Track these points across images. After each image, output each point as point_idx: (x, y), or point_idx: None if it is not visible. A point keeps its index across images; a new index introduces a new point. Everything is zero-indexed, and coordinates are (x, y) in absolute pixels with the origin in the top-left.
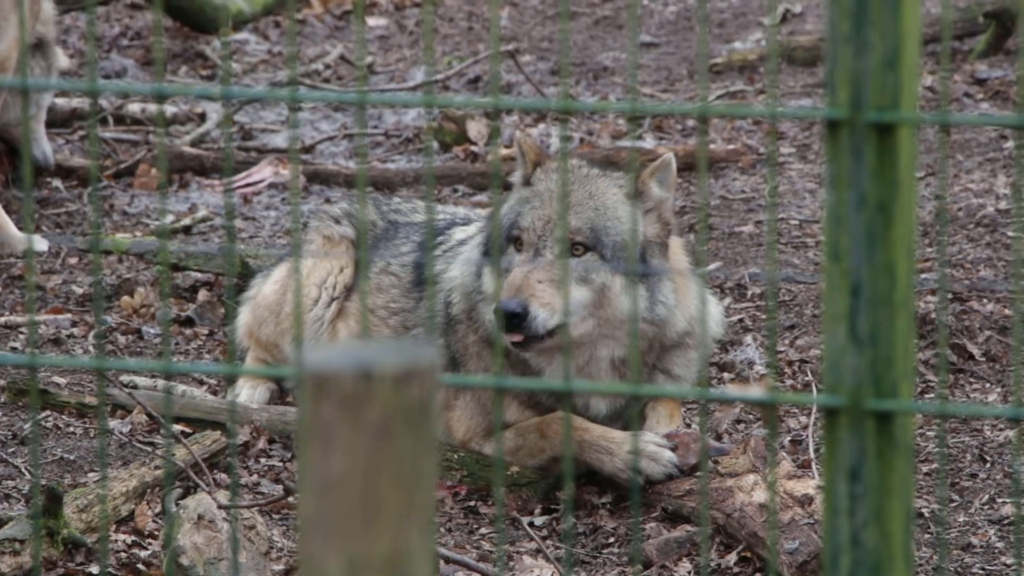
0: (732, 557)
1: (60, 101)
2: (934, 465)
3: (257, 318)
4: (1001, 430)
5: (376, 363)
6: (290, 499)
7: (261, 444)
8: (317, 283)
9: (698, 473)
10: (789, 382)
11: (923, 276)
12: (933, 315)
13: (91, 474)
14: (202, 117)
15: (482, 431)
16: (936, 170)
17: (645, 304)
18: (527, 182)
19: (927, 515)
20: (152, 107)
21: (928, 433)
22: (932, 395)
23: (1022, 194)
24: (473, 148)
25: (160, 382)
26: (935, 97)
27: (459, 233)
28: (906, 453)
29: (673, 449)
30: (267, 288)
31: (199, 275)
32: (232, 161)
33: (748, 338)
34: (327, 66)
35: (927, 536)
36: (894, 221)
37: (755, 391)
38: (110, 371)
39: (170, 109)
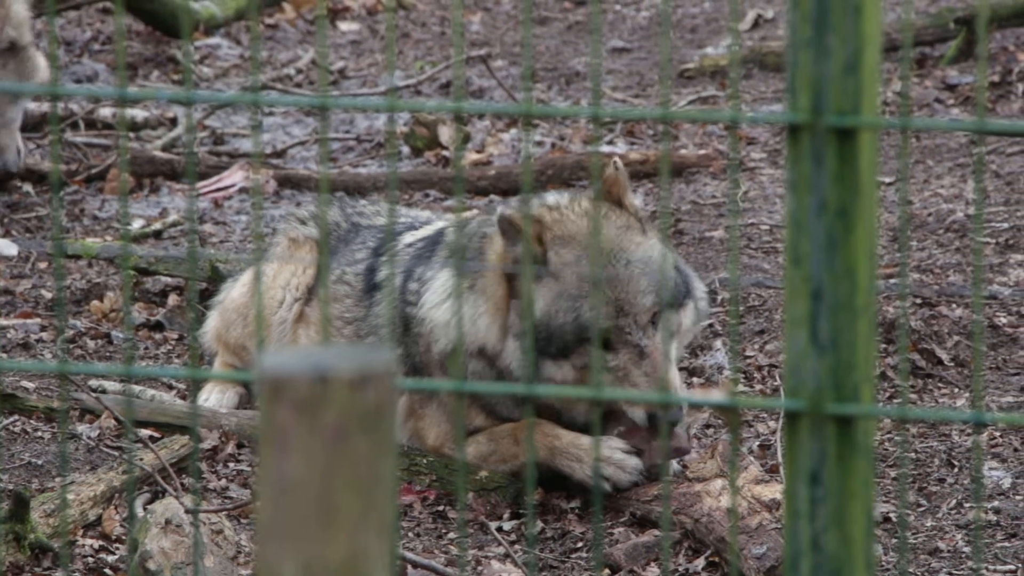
0: (700, 562)
1: (31, 105)
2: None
3: (225, 321)
4: (969, 435)
5: (332, 367)
6: (257, 504)
7: (230, 449)
8: (282, 285)
9: (665, 476)
10: (758, 387)
11: (891, 281)
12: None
13: (59, 479)
14: (173, 122)
15: (453, 437)
16: (904, 175)
17: (695, 314)
18: (546, 264)
19: (894, 519)
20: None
21: (897, 438)
22: (901, 400)
23: (985, 197)
24: (445, 153)
25: (131, 387)
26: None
27: (407, 237)
28: (867, 457)
29: (639, 454)
30: (235, 292)
31: (169, 280)
32: (196, 164)
33: (718, 343)
34: (299, 71)
35: (894, 540)
36: (855, 226)
37: (718, 395)
38: (78, 375)
39: (141, 114)
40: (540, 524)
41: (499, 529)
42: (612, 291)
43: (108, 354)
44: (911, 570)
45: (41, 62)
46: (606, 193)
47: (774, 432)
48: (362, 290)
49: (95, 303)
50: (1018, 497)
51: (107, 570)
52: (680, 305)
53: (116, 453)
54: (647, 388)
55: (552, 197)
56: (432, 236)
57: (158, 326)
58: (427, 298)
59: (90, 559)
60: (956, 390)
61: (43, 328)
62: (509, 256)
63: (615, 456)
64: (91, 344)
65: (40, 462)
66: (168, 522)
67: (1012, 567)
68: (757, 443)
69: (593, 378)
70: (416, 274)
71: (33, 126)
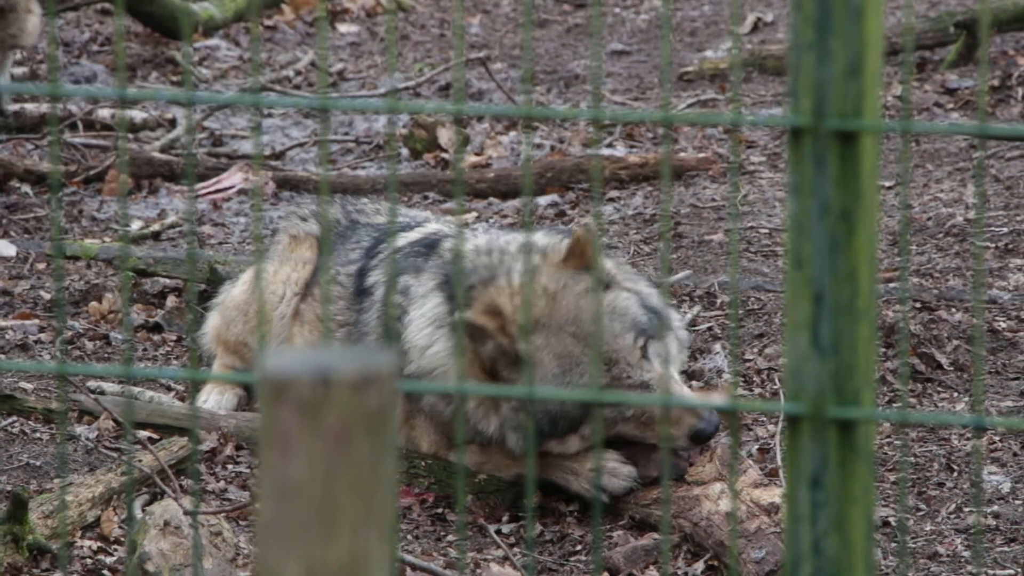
0: (699, 566)
1: (30, 106)
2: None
3: (225, 320)
4: (968, 439)
5: (334, 369)
6: (257, 505)
7: (228, 450)
8: (283, 280)
9: (663, 482)
10: (758, 390)
11: (891, 285)
12: (902, 324)
13: (57, 480)
14: (172, 123)
15: (446, 445)
16: (904, 179)
17: (678, 343)
18: (517, 355)
19: (894, 524)
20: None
21: (896, 442)
22: (900, 404)
23: (985, 201)
24: (444, 155)
25: (130, 388)
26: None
27: (399, 240)
28: (868, 461)
29: (634, 465)
30: (236, 290)
31: (167, 281)
32: (195, 166)
33: (717, 346)
34: (298, 72)
35: (894, 545)
36: (857, 229)
37: (717, 398)
38: (76, 376)
39: (140, 115)
40: (539, 527)
41: (498, 532)
42: (592, 350)
43: (107, 355)
44: (911, 574)
45: (30, 26)
46: (579, 255)
47: (773, 436)
48: (352, 293)
49: (94, 304)
50: (1017, 502)
51: (105, 571)
52: (663, 335)
53: (115, 454)
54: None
55: (515, 272)
56: (422, 241)
57: (157, 327)
58: (411, 331)
59: (88, 560)
60: (956, 394)
61: (42, 329)
62: (480, 354)
63: (608, 464)
64: (89, 345)
65: (38, 463)
66: (167, 524)
67: (1012, 571)
68: (756, 447)
69: (595, 381)
70: (401, 285)
71: (32, 127)
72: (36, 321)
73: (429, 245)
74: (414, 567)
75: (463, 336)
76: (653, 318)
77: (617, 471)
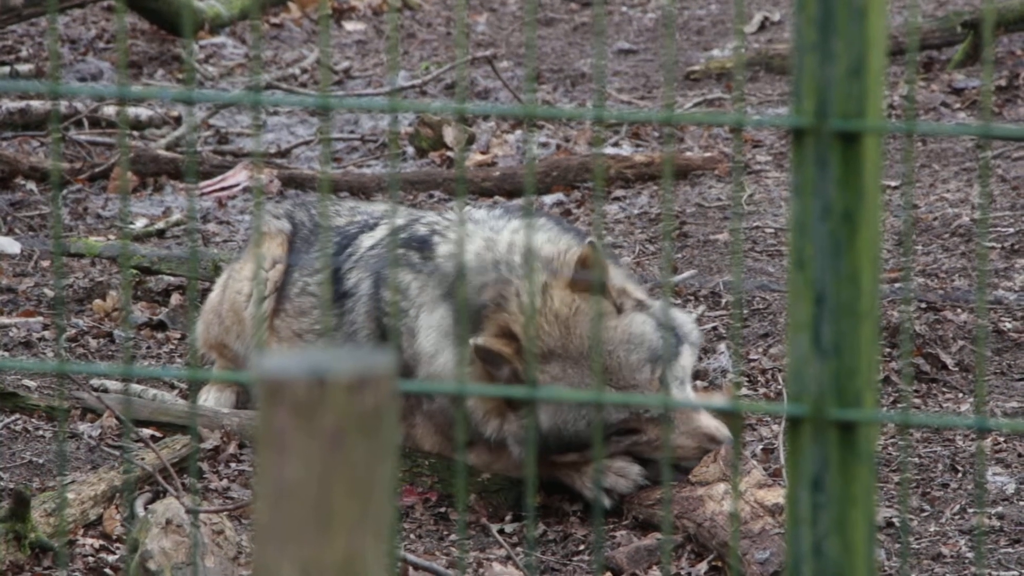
0: (703, 566)
1: (36, 104)
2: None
3: (205, 322)
4: (973, 440)
5: (330, 370)
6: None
7: (231, 449)
8: (249, 277)
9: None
10: (762, 390)
11: (896, 285)
12: (907, 324)
13: (59, 478)
14: (177, 120)
15: (449, 447)
16: (909, 179)
17: (691, 350)
18: (528, 379)
19: (897, 524)
20: (128, 110)
21: (900, 443)
22: (904, 405)
23: (991, 201)
24: (449, 154)
25: (133, 386)
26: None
27: (366, 240)
28: (869, 463)
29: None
30: (212, 294)
31: (172, 279)
32: (199, 164)
33: (721, 346)
34: (304, 70)
35: (897, 546)
36: (859, 230)
37: (719, 399)
38: (80, 375)
39: (145, 112)
40: (542, 527)
41: (500, 531)
42: (610, 382)
43: (110, 353)
44: (914, 575)
45: None
46: (586, 275)
47: (777, 436)
48: (330, 299)
49: (97, 302)
50: (1022, 503)
51: (107, 570)
52: (677, 355)
53: (117, 452)
54: (688, 441)
55: (524, 293)
56: (411, 239)
57: (161, 325)
58: (421, 339)
59: (90, 559)
60: (961, 395)
61: (45, 327)
62: (496, 379)
63: (615, 464)
64: (93, 343)
65: (41, 461)
66: (169, 522)
67: (1016, 573)
68: (760, 447)
69: (596, 387)
70: (388, 280)
71: (37, 124)
72: (40, 319)
73: (421, 242)
74: (416, 566)
75: (476, 360)
76: (667, 336)
77: (626, 471)
